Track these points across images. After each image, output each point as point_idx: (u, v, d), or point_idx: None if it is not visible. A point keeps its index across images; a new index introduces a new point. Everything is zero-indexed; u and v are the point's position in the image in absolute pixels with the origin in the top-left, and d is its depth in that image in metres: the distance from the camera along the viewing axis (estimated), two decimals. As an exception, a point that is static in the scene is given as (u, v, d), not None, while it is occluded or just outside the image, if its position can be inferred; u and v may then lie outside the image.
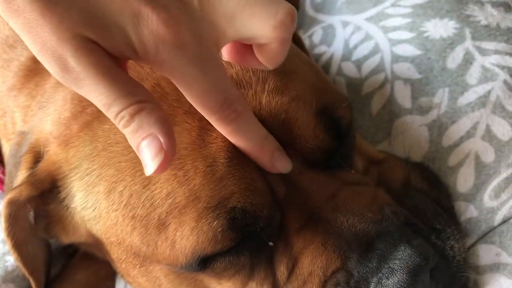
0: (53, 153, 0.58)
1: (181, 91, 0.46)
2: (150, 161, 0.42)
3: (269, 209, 0.54)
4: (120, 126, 0.43)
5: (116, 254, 0.60)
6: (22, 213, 0.59)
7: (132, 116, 0.42)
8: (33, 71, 0.70)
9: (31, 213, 0.60)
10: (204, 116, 0.48)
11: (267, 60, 0.48)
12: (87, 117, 0.57)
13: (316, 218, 0.56)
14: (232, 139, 0.51)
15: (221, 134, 0.52)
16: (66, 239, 0.64)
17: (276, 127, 0.55)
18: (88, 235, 0.61)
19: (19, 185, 0.59)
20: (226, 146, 0.53)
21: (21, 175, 0.60)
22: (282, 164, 0.54)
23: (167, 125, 0.43)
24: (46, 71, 0.43)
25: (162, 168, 0.42)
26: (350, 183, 0.59)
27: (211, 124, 0.51)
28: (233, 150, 0.53)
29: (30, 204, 0.59)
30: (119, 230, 0.56)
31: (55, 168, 0.58)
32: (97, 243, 0.62)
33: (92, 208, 0.57)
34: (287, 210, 0.56)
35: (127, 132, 0.43)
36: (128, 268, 0.61)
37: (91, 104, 0.55)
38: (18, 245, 0.61)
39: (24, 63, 0.72)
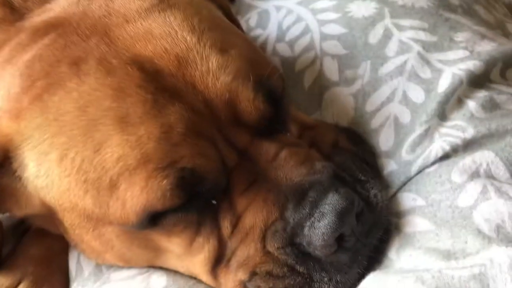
0: (5, 126, 0.60)
1: None
2: None
3: (217, 173, 0.59)
4: None
5: (70, 221, 0.64)
6: None
7: None
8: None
9: (-18, 188, 0.61)
10: None
11: None
12: (37, 90, 0.59)
13: (260, 179, 0.62)
14: None
15: (181, 107, 0.57)
16: (19, 212, 0.66)
17: (222, 106, 0.60)
18: (41, 205, 0.64)
19: None
20: (185, 118, 0.57)
21: (-28, 150, 0.62)
22: None
23: None
24: None
25: None
26: (288, 144, 0.65)
27: (167, 98, 0.57)
28: (191, 123, 0.58)
29: None
30: (72, 195, 0.59)
31: (6, 141, 0.60)
32: (50, 213, 0.65)
33: (45, 176, 0.60)
34: (235, 175, 0.62)
35: None
36: (82, 233, 0.65)
37: (40, 78, 0.60)
38: None
39: None
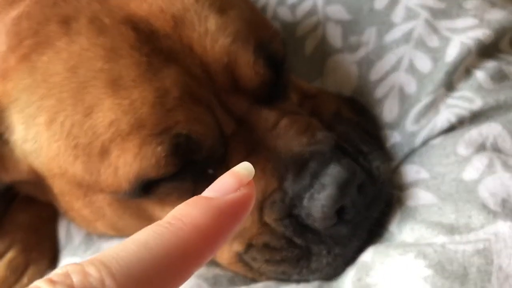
0: None
1: None
2: None
3: (214, 141, 0.57)
4: None
5: (59, 187, 0.61)
6: None
7: None
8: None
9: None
10: None
11: None
12: (25, 49, 0.56)
13: (259, 148, 0.60)
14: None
15: (177, 71, 0.54)
16: (5, 177, 0.64)
17: (220, 71, 0.57)
18: (29, 170, 0.61)
19: None
20: (181, 82, 0.55)
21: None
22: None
23: None
24: None
25: None
26: (288, 112, 0.63)
27: (162, 61, 0.54)
28: (187, 87, 0.55)
29: None
30: (61, 161, 0.57)
31: None
32: (38, 179, 0.63)
33: (33, 140, 0.58)
34: (233, 144, 0.59)
35: None
36: (72, 200, 0.62)
37: (28, 37, 0.56)
38: None
39: None
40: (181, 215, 0.28)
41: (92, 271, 0.25)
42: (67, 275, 0.25)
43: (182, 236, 0.27)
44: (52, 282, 0.24)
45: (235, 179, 0.30)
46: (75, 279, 0.24)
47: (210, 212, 0.28)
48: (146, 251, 0.26)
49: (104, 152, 0.55)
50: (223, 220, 0.28)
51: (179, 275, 0.27)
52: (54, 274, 0.25)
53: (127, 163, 0.54)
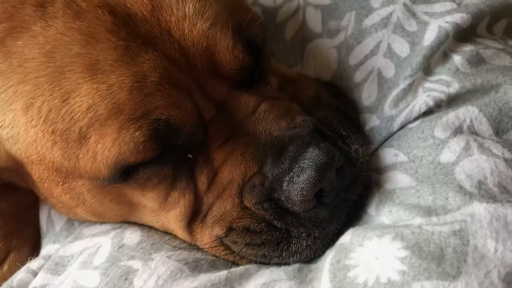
0: None
1: None
2: None
3: (192, 126, 0.57)
4: None
5: (38, 174, 0.61)
6: None
7: None
8: None
9: None
10: None
11: None
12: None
13: (238, 133, 0.60)
14: None
15: (155, 55, 0.54)
16: (-16, 165, 0.64)
17: (199, 55, 0.57)
18: (7, 157, 0.61)
19: None
20: (159, 67, 0.54)
21: None
22: None
23: None
24: None
25: None
26: (268, 97, 0.63)
27: (140, 45, 0.53)
28: (166, 72, 0.55)
29: None
30: (39, 147, 0.57)
31: None
32: (17, 166, 0.62)
33: (10, 126, 0.57)
34: (212, 129, 0.60)
35: None
36: (51, 187, 0.62)
37: (3, 21, 0.56)
38: None
39: None
40: None
41: None
42: None
43: None
44: None
45: None
46: None
47: None
48: None
49: (82, 138, 0.54)
50: None
51: None
52: None
53: (105, 148, 0.54)
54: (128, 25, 0.55)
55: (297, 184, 0.55)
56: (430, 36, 0.68)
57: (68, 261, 0.64)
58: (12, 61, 0.55)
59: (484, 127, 0.61)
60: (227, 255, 0.61)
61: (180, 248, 0.63)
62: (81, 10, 0.55)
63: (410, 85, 0.66)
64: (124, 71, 0.53)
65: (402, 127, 0.65)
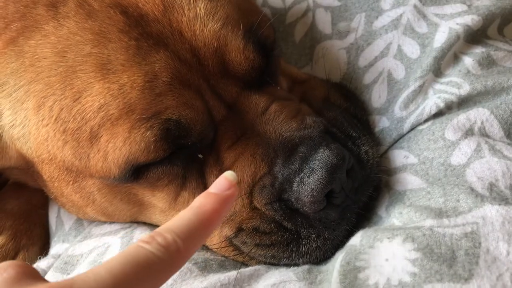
0: None
1: None
2: None
3: (203, 126, 0.57)
4: None
5: (48, 173, 0.61)
6: None
7: None
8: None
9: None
10: None
11: None
12: (12, 33, 0.56)
13: (249, 133, 0.60)
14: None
15: (166, 55, 0.54)
16: (-5, 164, 0.64)
17: (210, 55, 0.57)
18: (18, 156, 0.61)
19: None
20: (170, 67, 0.54)
21: None
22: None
23: None
24: None
25: None
26: (278, 98, 0.63)
27: (152, 45, 0.53)
28: (177, 72, 0.55)
29: None
30: (50, 146, 0.57)
31: None
32: (27, 165, 0.62)
33: (21, 125, 0.57)
34: (222, 130, 0.60)
35: None
36: (61, 186, 0.62)
37: (15, 20, 0.56)
38: None
39: None
40: (202, 204, 0.47)
41: (167, 234, 0.43)
42: (153, 237, 0.42)
43: (207, 212, 0.46)
44: (146, 242, 0.42)
45: (228, 182, 0.49)
46: (159, 239, 0.42)
47: (217, 202, 0.47)
48: (195, 218, 0.45)
49: (93, 137, 0.54)
50: (224, 207, 0.47)
51: (209, 232, 0.47)
52: (143, 238, 0.42)
53: (116, 147, 0.54)
54: (140, 25, 0.55)
55: (307, 185, 0.55)
56: (440, 38, 0.67)
57: (77, 260, 0.64)
58: (24, 60, 0.55)
59: (495, 129, 0.61)
60: (237, 256, 0.61)
61: (189, 249, 0.63)
62: (93, 10, 0.55)
63: (420, 86, 0.66)
64: (135, 71, 0.53)
65: (412, 128, 0.65)
